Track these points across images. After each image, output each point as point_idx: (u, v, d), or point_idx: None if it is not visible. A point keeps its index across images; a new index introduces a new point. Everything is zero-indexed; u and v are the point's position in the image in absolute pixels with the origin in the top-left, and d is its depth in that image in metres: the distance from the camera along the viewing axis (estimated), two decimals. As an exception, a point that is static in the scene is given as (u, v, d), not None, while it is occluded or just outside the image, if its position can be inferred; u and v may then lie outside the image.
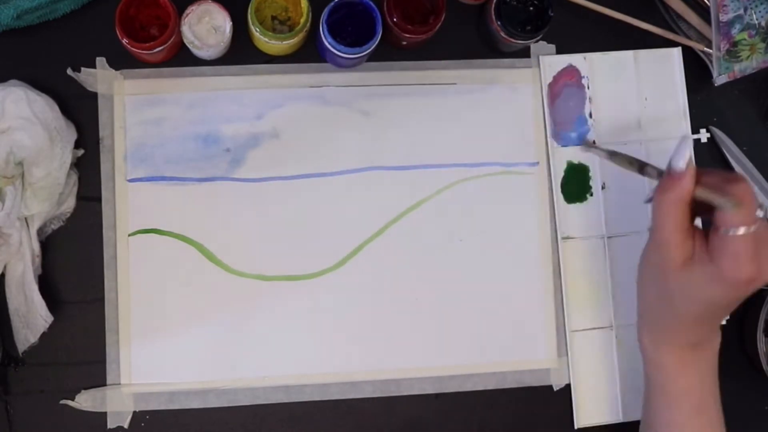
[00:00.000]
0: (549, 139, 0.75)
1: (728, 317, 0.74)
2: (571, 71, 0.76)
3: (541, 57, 0.75)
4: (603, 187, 0.75)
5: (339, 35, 0.68)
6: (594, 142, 0.75)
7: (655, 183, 0.59)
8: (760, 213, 0.55)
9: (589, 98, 0.76)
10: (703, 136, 0.76)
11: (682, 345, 0.62)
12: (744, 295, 0.58)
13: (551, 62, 0.75)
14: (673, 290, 0.59)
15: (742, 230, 0.54)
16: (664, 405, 0.64)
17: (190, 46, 0.69)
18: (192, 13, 0.68)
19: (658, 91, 0.76)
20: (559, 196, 0.74)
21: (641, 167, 0.61)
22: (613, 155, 0.64)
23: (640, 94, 0.76)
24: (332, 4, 0.67)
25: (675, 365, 0.62)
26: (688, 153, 0.56)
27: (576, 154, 0.75)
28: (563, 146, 0.75)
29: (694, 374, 0.62)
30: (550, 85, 0.75)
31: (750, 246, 0.55)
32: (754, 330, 0.72)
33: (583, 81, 0.76)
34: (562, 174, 0.75)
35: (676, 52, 0.76)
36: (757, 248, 0.55)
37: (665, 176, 0.57)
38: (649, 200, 0.59)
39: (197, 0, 0.68)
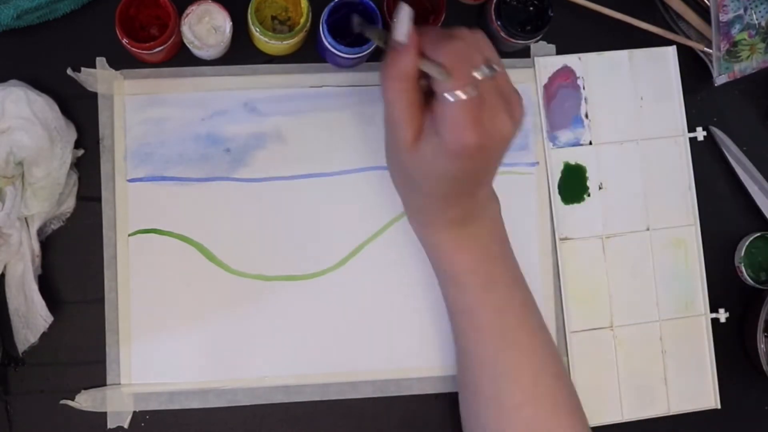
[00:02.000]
0: (545, 141, 0.75)
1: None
2: (566, 72, 0.76)
3: (536, 58, 0.75)
4: (600, 188, 0.75)
5: (339, 35, 0.67)
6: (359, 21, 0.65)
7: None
8: (477, 74, 0.51)
9: (585, 99, 0.76)
10: (700, 134, 0.76)
11: (449, 223, 0.59)
12: (482, 164, 0.54)
13: (546, 63, 0.75)
14: (410, 169, 0.56)
15: (457, 96, 0.51)
16: (451, 289, 0.61)
17: (190, 46, 0.69)
18: (192, 13, 0.68)
19: (654, 90, 0.76)
20: (556, 197, 0.74)
21: (362, 26, 0.59)
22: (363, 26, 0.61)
23: (636, 93, 0.76)
24: (332, 4, 0.67)
25: (448, 245, 0.59)
26: (406, 24, 0.53)
27: (573, 155, 0.75)
28: (559, 147, 0.75)
29: (472, 252, 0.59)
30: (546, 87, 0.75)
31: (469, 111, 0.51)
32: (754, 330, 0.73)
33: (579, 82, 0.76)
34: (559, 175, 0.75)
35: (671, 51, 0.76)
36: (478, 112, 0.51)
37: (389, 51, 0.54)
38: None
39: (197, 0, 0.68)
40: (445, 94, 0.51)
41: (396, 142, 0.56)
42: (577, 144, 0.75)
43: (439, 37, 0.53)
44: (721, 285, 0.76)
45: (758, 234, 0.75)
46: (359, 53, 0.67)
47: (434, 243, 0.60)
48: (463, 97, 0.51)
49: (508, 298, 0.61)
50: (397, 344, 0.72)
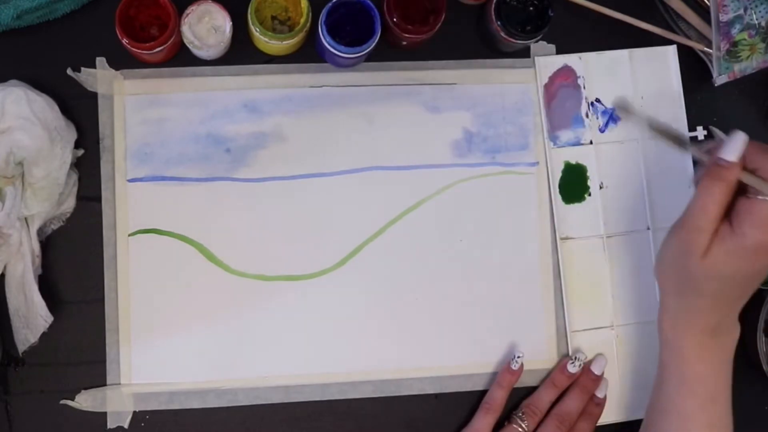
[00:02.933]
0: (546, 140, 0.75)
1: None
2: (566, 72, 0.76)
3: (536, 58, 0.75)
4: (601, 187, 0.75)
5: (338, 35, 0.68)
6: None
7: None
8: None
9: (586, 98, 0.76)
10: (700, 133, 0.76)
11: (703, 330, 0.62)
12: (763, 267, 0.59)
13: (547, 63, 0.75)
14: (696, 273, 0.59)
15: None
16: (678, 391, 0.63)
17: (190, 46, 0.69)
18: (192, 13, 0.68)
19: (655, 90, 0.76)
20: (557, 196, 0.74)
21: (682, 143, 0.63)
22: (654, 126, 0.64)
23: (637, 92, 0.76)
24: (330, 4, 0.67)
25: (694, 351, 0.62)
26: (740, 148, 0.58)
27: (573, 155, 0.75)
28: (560, 147, 0.75)
29: (712, 361, 0.63)
30: (546, 86, 0.75)
31: None
32: (754, 330, 0.73)
33: (579, 81, 0.76)
34: (559, 175, 0.75)
35: (672, 50, 0.76)
36: None
37: (713, 165, 0.58)
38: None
39: (197, 0, 0.68)
40: (760, 197, 0.57)
41: (689, 248, 0.59)
42: (577, 143, 0.75)
43: (764, 150, 0.58)
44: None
45: (758, 234, 0.75)
46: (358, 53, 0.67)
47: (682, 346, 0.63)
48: None
49: (721, 417, 0.64)
50: (397, 344, 0.72)
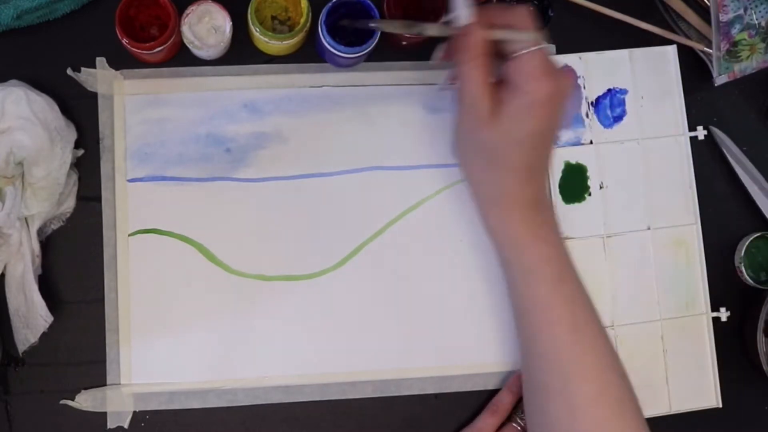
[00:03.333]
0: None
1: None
2: (568, 72, 0.76)
3: None
4: (601, 187, 0.75)
5: (338, 35, 0.68)
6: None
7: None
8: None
9: (586, 98, 0.76)
10: (701, 133, 0.76)
11: (525, 207, 0.61)
12: (555, 116, 0.59)
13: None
14: (491, 142, 0.59)
15: (534, 48, 0.57)
16: (528, 283, 0.62)
17: (190, 46, 0.69)
18: (192, 13, 0.68)
19: (655, 90, 0.76)
20: (557, 196, 0.74)
21: (412, 27, 0.63)
22: (386, 23, 0.65)
23: (637, 92, 0.76)
24: (330, 4, 0.67)
25: (525, 234, 0.61)
26: (465, 4, 0.58)
27: (573, 154, 0.75)
28: (560, 147, 0.75)
29: (547, 241, 0.61)
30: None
31: (544, 62, 0.57)
32: (754, 330, 0.73)
33: (579, 81, 0.76)
34: (559, 174, 0.75)
35: (672, 50, 0.76)
36: (549, 64, 0.58)
37: (457, 36, 0.59)
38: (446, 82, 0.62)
39: (197, 0, 0.68)
40: (525, 50, 0.57)
41: (474, 120, 0.59)
42: (577, 143, 0.75)
43: (504, 9, 0.59)
44: (722, 285, 0.75)
45: (758, 234, 0.75)
46: (358, 52, 0.67)
47: (511, 234, 0.61)
48: (534, 48, 0.57)
49: (578, 291, 0.62)
50: (396, 344, 0.72)
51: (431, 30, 0.63)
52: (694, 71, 0.77)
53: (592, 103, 0.76)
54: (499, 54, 0.60)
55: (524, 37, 0.58)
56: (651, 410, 0.73)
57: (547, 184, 0.62)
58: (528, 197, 0.61)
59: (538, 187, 0.61)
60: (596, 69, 0.76)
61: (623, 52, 0.76)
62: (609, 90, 0.76)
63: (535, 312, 0.62)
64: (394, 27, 0.64)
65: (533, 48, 0.58)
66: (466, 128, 0.61)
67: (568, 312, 0.61)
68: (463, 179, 0.64)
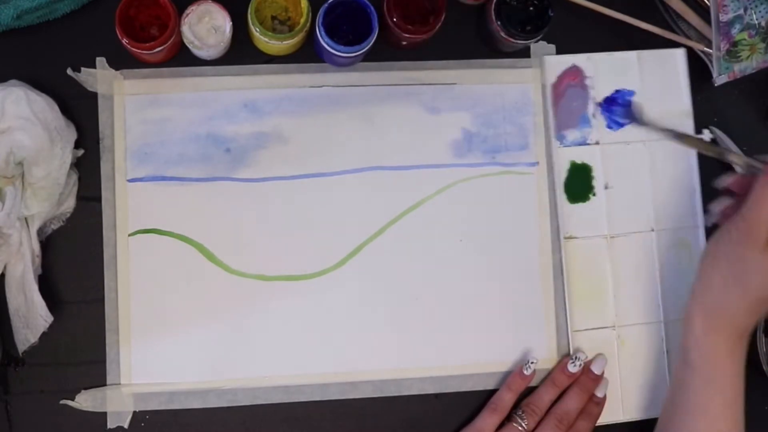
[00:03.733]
0: (552, 139, 0.74)
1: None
2: (574, 71, 0.76)
3: (545, 57, 0.75)
4: (606, 187, 0.75)
5: (336, 35, 0.68)
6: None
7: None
8: None
9: (593, 98, 0.76)
10: (706, 136, 0.76)
11: (737, 332, 0.63)
12: None
13: (555, 62, 0.75)
14: (753, 265, 0.60)
15: None
16: (705, 391, 0.64)
17: (190, 46, 0.69)
18: (192, 13, 0.68)
19: (662, 92, 0.76)
20: (562, 195, 0.74)
21: (721, 154, 0.65)
22: (682, 138, 0.66)
23: (644, 94, 0.76)
24: (327, 4, 0.67)
25: (725, 353, 0.63)
26: None
27: (579, 154, 0.75)
28: (566, 146, 0.75)
29: (740, 362, 0.63)
30: (554, 86, 0.75)
31: None
32: (754, 330, 0.72)
33: (587, 81, 0.76)
34: (565, 174, 0.75)
35: (680, 53, 0.76)
36: None
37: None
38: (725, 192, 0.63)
39: (197, 0, 0.68)
40: None
41: (747, 238, 0.60)
42: (583, 143, 0.75)
43: None
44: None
45: (758, 234, 0.75)
46: (356, 51, 0.67)
47: (713, 348, 0.63)
48: None
49: (742, 414, 0.65)
50: (397, 344, 0.72)
51: (738, 159, 0.64)
52: (694, 71, 0.76)
53: (599, 103, 0.75)
54: None
55: None
56: (651, 411, 0.73)
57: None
58: (745, 325, 0.63)
59: (757, 318, 0.63)
60: (604, 70, 0.76)
61: (632, 54, 0.76)
62: (617, 91, 0.76)
63: (699, 419, 0.64)
64: (697, 146, 0.66)
65: None
66: (734, 237, 0.61)
67: (720, 402, 0.64)
68: (697, 276, 0.65)
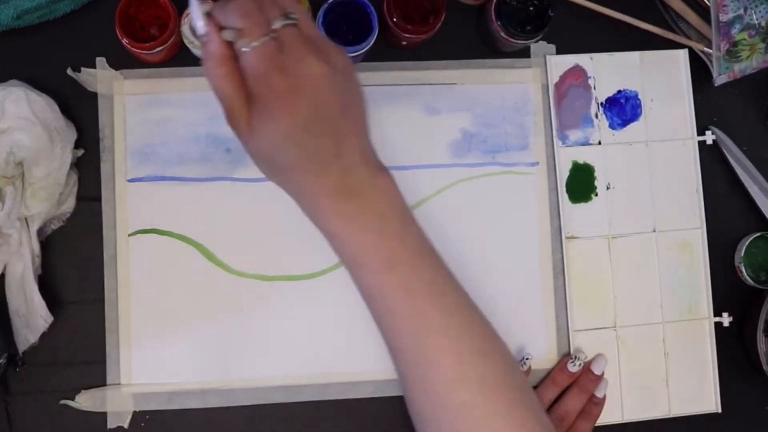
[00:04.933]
0: (555, 139, 0.74)
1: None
2: (577, 71, 0.76)
3: (548, 57, 0.75)
4: (608, 188, 0.75)
5: (336, 35, 0.68)
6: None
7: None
8: (275, 24, 0.51)
9: (596, 98, 0.75)
10: (709, 138, 0.76)
11: (332, 197, 0.54)
12: (310, 111, 0.51)
13: (558, 62, 0.75)
14: (259, 150, 0.54)
15: (247, 47, 0.50)
16: (353, 273, 0.56)
17: (190, 46, 0.69)
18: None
19: (664, 93, 0.76)
20: (563, 195, 0.74)
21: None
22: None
23: (646, 94, 0.76)
24: (327, 4, 0.67)
25: (339, 225, 0.55)
26: (199, 15, 0.52)
27: (581, 154, 0.75)
28: (568, 146, 0.75)
29: (366, 230, 0.55)
30: (557, 85, 0.75)
31: (267, 58, 0.50)
32: (754, 330, 0.72)
33: (590, 81, 0.76)
34: (567, 174, 0.75)
35: (683, 54, 0.76)
36: (279, 58, 0.50)
37: (202, 44, 0.53)
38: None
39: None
40: (242, 48, 0.50)
41: (237, 131, 0.53)
42: (586, 143, 0.75)
43: (223, 5, 0.52)
44: (722, 285, 0.75)
45: (758, 234, 0.75)
46: (356, 51, 0.67)
47: (327, 228, 0.56)
48: (256, 44, 0.50)
49: (415, 277, 0.56)
50: (397, 344, 0.72)
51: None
52: (694, 71, 0.76)
53: (601, 103, 0.75)
54: None
55: (233, 36, 0.50)
56: (650, 412, 0.74)
57: (358, 169, 0.55)
58: (330, 189, 0.54)
59: (340, 175, 0.54)
60: (607, 70, 0.76)
61: (634, 54, 0.76)
62: (619, 92, 0.76)
63: (372, 303, 0.56)
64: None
65: (246, 47, 0.50)
66: (239, 138, 0.55)
67: (405, 299, 0.55)
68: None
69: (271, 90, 0.51)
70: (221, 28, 0.52)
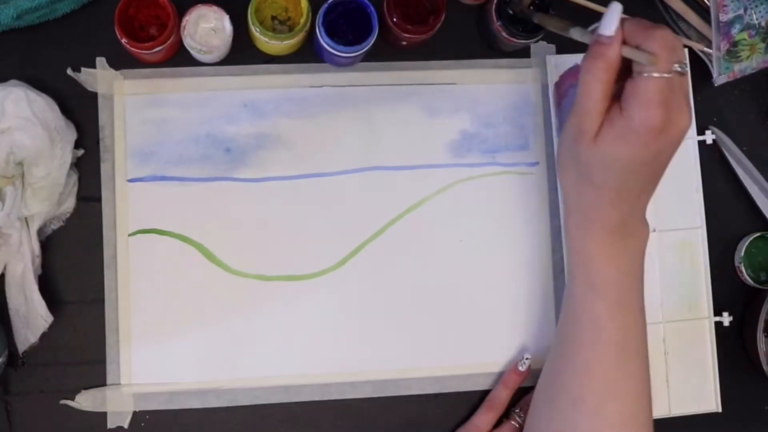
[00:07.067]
0: (554, 139, 0.74)
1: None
2: (577, 71, 0.74)
3: (548, 57, 0.75)
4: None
5: (336, 34, 0.68)
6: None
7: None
8: (677, 66, 0.54)
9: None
10: (708, 137, 0.76)
11: (607, 229, 0.60)
12: (656, 155, 0.56)
13: (558, 62, 0.75)
14: (588, 159, 0.57)
15: (655, 74, 0.54)
16: (587, 298, 0.61)
17: (194, 53, 0.69)
18: (188, 23, 0.67)
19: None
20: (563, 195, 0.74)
21: (565, 28, 0.61)
22: (537, 15, 0.63)
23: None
24: (327, 4, 0.67)
25: (601, 254, 0.60)
26: (616, 20, 0.55)
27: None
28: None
29: (619, 264, 0.60)
30: (557, 85, 0.75)
31: (660, 91, 0.54)
32: (754, 330, 0.72)
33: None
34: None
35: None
36: (667, 96, 0.54)
37: (593, 44, 0.56)
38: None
39: (194, 6, 0.67)
40: (647, 72, 0.54)
41: (579, 133, 0.57)
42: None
43: (645, 26, 0.56)
44: (722, 285, 0.75)
45: (758, 234, 0.75)
46: (356, 51, 0.67)
47: (589, 251, 0.60)
48: (666, 75, 0.54)
49: (634, 322, 0.62)
50: (396, 344, 0.72)
51: (575, 34, 0.61)
52: (694, 71, 0.76)
53: None
54: (629, 72, 0.56)
55: (645, 59, 0.54)
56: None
57: (641, 212, 0.61)
58: (612, 220, 0.59)
59: (628, 212, 0.59)
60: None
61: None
62: None
63: (587, 327, 0.62)
64: (551, 24, 0.64)
65: (655, 74, 0.54)
66: (570, 136, 0.58)
67: (620, 337, 0.61)
68: (559, 184, 0.63)
69: (646, 119, 0.54)
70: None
